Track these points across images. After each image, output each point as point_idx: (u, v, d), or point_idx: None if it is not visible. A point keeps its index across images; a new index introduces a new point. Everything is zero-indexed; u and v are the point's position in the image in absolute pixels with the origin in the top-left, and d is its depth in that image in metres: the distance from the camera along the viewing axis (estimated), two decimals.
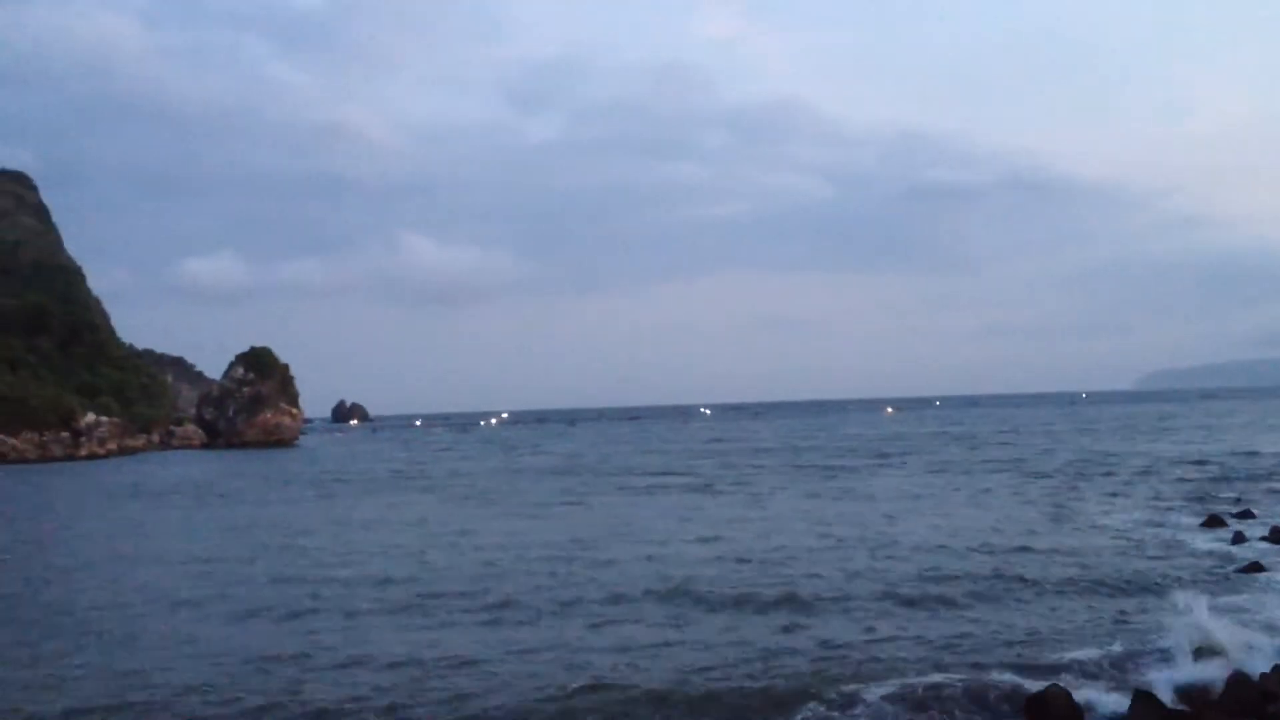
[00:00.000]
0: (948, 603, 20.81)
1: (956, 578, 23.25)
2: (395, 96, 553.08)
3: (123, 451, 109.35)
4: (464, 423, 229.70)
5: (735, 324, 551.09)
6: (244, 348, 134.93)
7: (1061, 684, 14.52)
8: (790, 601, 21.00)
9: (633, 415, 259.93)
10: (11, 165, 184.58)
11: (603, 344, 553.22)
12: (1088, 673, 15.69)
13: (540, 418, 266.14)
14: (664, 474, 59.30)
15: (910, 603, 20.83)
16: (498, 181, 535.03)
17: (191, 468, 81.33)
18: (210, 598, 23.43)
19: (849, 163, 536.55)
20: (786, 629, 18.92)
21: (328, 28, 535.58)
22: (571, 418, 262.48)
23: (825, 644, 17.67)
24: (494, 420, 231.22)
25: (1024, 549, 27.23)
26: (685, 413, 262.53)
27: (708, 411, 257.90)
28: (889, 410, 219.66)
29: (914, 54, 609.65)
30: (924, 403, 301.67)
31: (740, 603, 21.12)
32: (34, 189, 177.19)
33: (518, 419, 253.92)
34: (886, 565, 25.08)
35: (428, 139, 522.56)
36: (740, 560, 26.35)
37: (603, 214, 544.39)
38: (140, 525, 40.04)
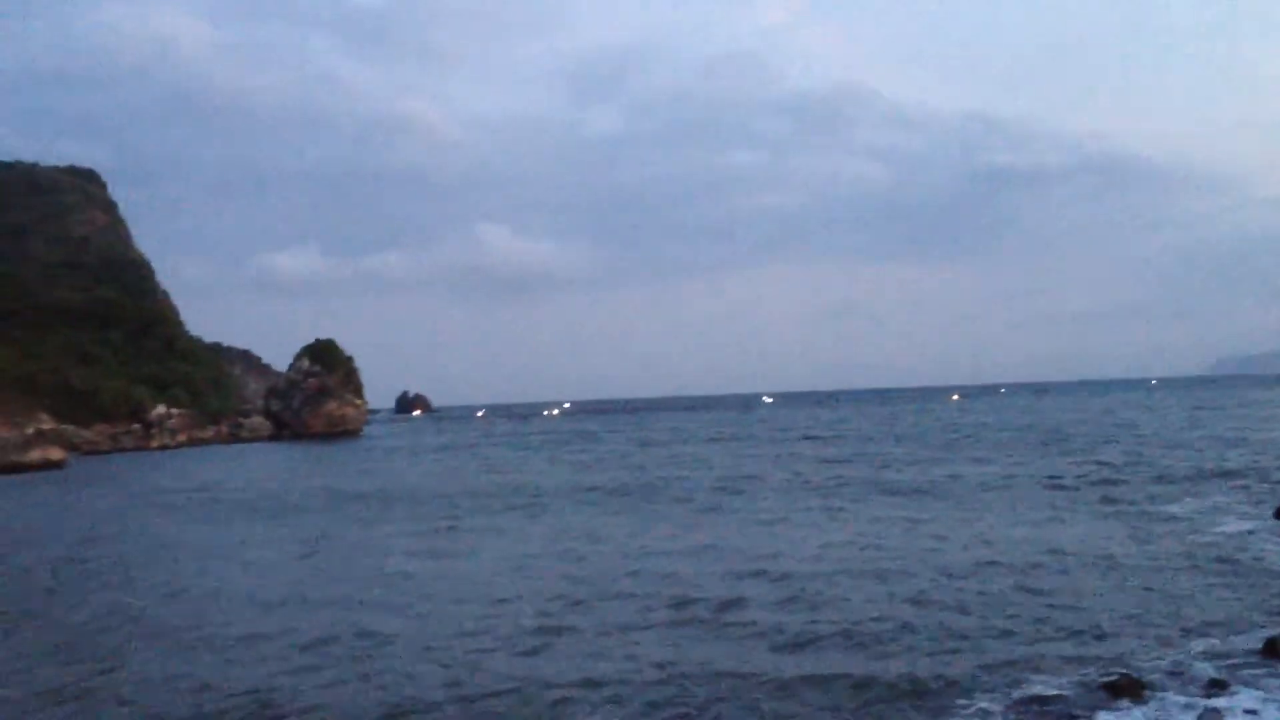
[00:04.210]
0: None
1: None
2: (459, 89, 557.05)
3: (192, 443, 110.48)
4: (525, 413, 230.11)
5: (796, 312, 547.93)
6: (309, 340, 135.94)
7: None
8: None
9: (691, 405, 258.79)
10: (82, 162, 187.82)
11: (663, 334, 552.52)
12: None
13: (600, 408, 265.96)
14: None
15: None
16: (558, 173, 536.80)
17: (261, 465, 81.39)
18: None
19: (911, 148, 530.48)
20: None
21: (390, 22, 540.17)
22: (631, 407, 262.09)
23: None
24: (555, 411, 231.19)
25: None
26: (747, 402, 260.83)
27: (770, 400, 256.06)
28: (954, 398, 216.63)
29: (976, 37, 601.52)
30: (988, 390, 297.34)
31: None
32: (103, 185, 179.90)
33: (579, 409, 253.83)
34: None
35: (490, 131, 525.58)
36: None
37: (663, 204, 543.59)
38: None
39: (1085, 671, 14.98)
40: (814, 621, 18.18)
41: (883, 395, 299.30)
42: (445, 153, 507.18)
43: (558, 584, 22.47)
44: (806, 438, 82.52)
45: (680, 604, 19.98)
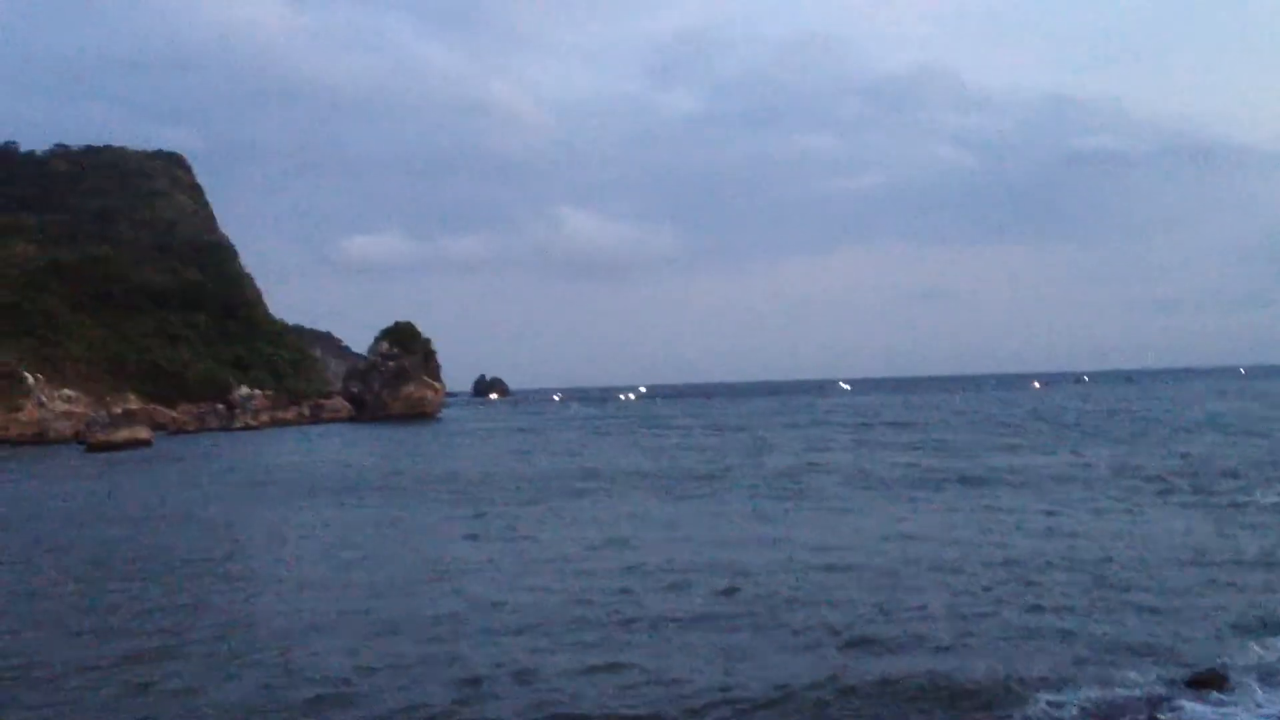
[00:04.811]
0: None
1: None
2: (540, 72, 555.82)
3: (274, 423, 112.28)
4: (601, 397, 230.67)
5: (874, 297, 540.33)
6: (389, 323, 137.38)
7: None
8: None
9: (767, 390, 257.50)
10: (169, 147, 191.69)
11: (739, 317, 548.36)
12: None
13: (677, 392, 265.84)
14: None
15: None
16: (637, 156, 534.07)
17: (343, 446, 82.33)
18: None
19: (992, 130, 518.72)
20: None
21: (473, 5, 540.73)
22: (707, 392, 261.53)
23: None
24: (631, 395, 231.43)
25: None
26: (823, 388, 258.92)
27: (847, 386, 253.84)
28: (1036, 385, 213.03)
29: (1060, 16, 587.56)
30: (1071, 377, 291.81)
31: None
32: (189, 169, 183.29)
33: (655, 393, 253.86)
34: None
35: (570, 114, 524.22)
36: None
37: (741, 188, 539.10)
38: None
39: (1169, 668, 14.57)
40: (884, 618, 17.82)
41: (962, 381, 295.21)
42: (526, 135, 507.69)
43: (620, 573, 22.28)
44: (884, 424, 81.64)
45: (746, 597, 19.67)
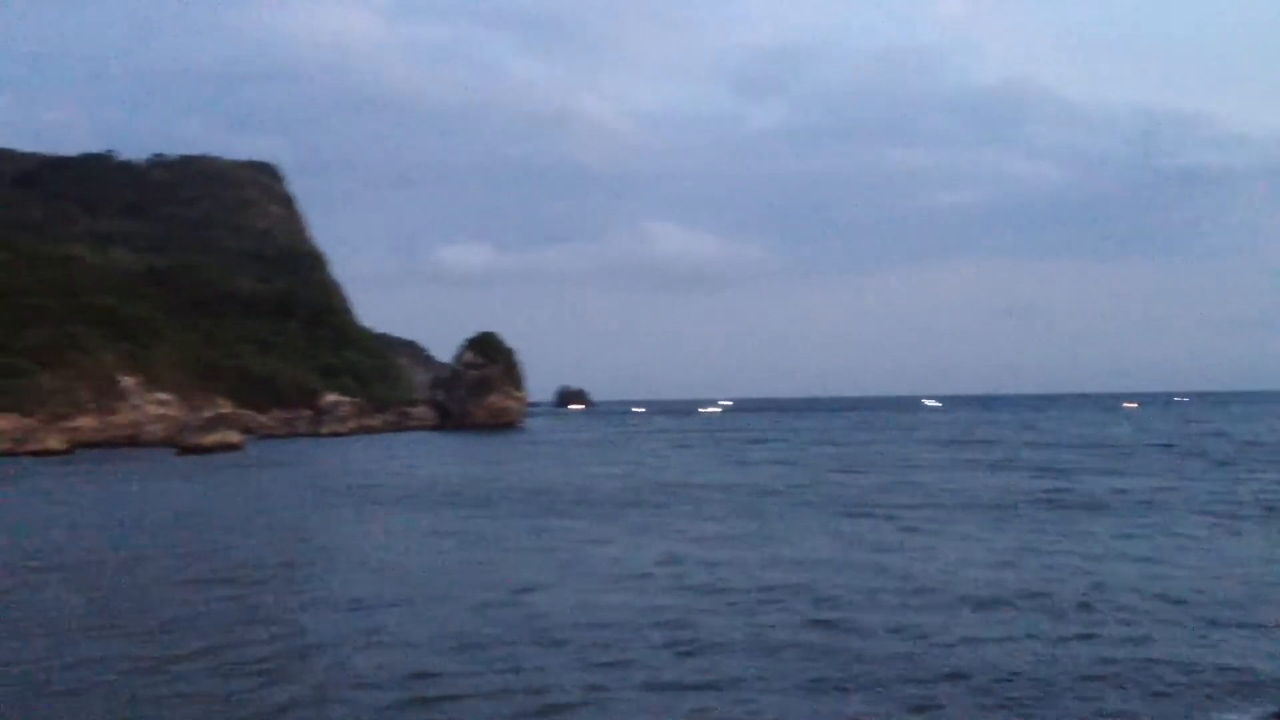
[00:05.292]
0: None
1: None
2: (626, 85, 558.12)
3: (360, 430, 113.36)
4: (683, 410, 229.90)
5: (961, 313, 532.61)
6: (473, 332, 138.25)
7: None
8: None
9: (850, 406, 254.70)
10: (261, 156, 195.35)
11: (823, 332, 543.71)
12: None
13: (760, 407, 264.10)
14: None
15: None
16: (723, 169, 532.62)
17: (433, 458, 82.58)
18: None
19: (1085, 146, 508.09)
20: None
21: (560, 19, 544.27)
22: (790, 407, 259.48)
23: None
24: (714, 409, 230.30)
25: None
26: (907, 404, 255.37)
27: (934, 404, 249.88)
28: (1128, 405, 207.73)
29: (1157, 31, 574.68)
30: (1164, 398, 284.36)
31: None
32: (281, 179, 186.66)
33: (738, 408, 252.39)
34: None
35: (657, 127, 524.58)
36: None
37: (827, 201, 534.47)
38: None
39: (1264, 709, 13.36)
40: (959, 652, 16.57)
41: (1050, 400, 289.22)
42: (613, 148, 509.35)
43: (697, 593, 21.32)
44: (975, 442, 79.77)
45: (825, 626, 18.37)
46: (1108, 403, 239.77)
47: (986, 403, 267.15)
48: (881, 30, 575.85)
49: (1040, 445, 74.58)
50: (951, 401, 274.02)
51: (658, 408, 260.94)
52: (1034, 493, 40.82)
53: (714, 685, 14.66)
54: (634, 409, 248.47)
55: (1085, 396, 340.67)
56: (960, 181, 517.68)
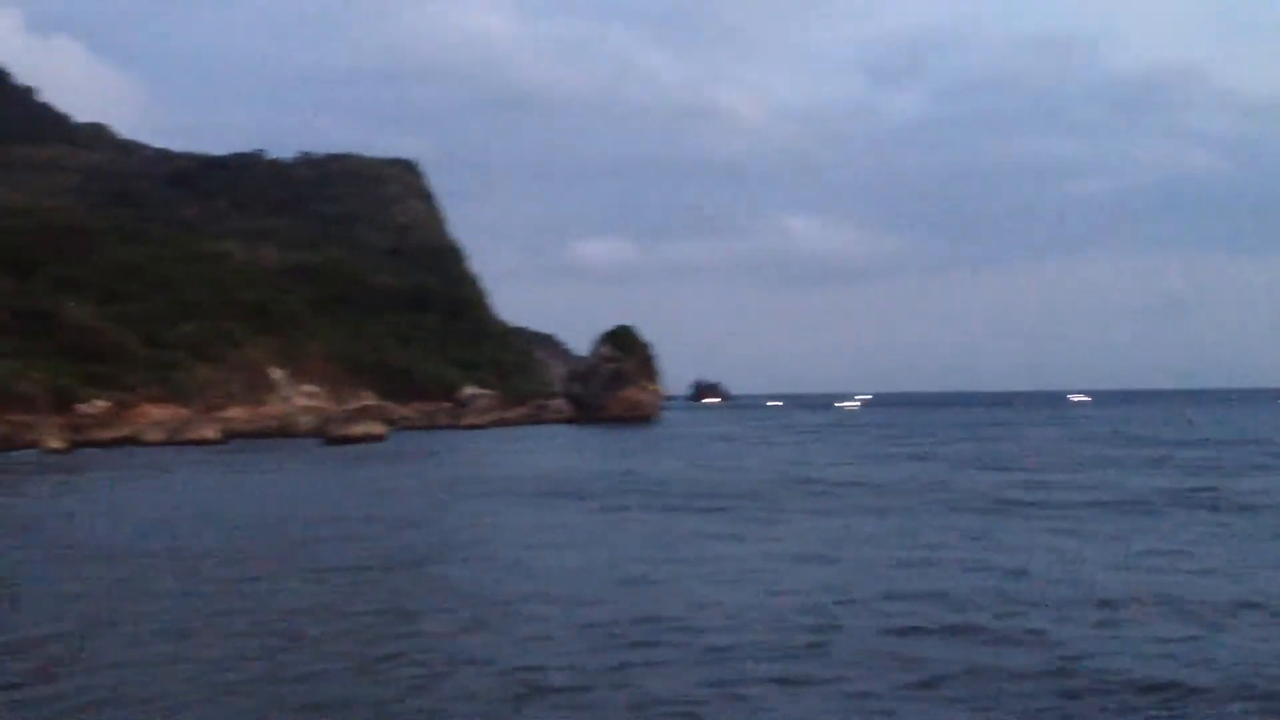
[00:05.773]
0: None
1: None
2: (762, 77, 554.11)
3: (498, 423, 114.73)
4: (821, 404, 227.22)
5: (1109, 306, 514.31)
6: (609, 326, 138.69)
7: None
8: None
9: (993, 401, 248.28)
10: (402, 154, 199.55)
11: (965, 325, 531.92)
12: None
13: (899, 401, 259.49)
14: None
15: None
16: (861, 160, 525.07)
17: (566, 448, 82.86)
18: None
19: (1241, 133, 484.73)
20: None
21: (695, 12, 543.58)
22: (931, 401, 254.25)
23: None
24: (852, 403, 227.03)
25: None
26: (1054, 399, 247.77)
27: (1081, 398, 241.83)
28: None
29: None
30: None
31: None
32: (421, 176, 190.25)
33: (877, 402, 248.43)
34: None
35: (793, 118, 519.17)
36: None
37: (968, 192, 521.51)
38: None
39: None
40: (1099, 661, 15.47)
41: (1203, 396, 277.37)
42: (749, 140, 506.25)
43: (825, 593, 20.34)
44: (1118, 438, 76.60)
45: (956, 631, 17.33)
46: (1263, 398, 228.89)
47: (1135, 398, 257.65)
48: (1022, 16, 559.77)
49: (1192, 442, 71.11)
50: (1099, 396, 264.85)
51: (794, 402, 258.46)
52: (1185, 492, 38.66)
53: (835, 692, 13.95)
54: (770, 403, 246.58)
55: (1239, 392, 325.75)
56: (1108, 170, 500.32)
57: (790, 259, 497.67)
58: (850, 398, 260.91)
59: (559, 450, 73.83)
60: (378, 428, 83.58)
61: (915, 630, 17.30)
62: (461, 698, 13.85)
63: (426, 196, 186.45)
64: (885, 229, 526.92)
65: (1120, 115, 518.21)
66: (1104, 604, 19.04)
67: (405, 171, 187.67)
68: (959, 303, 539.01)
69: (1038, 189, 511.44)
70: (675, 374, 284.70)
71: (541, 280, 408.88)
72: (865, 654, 15.79)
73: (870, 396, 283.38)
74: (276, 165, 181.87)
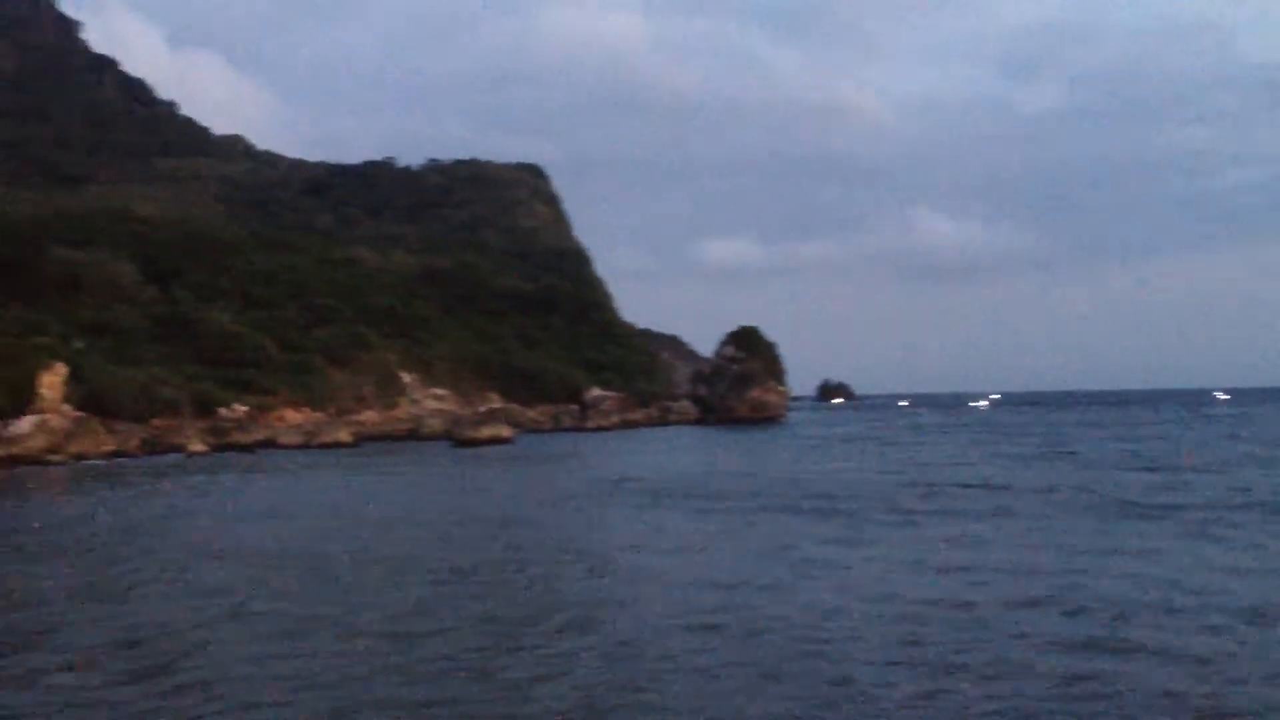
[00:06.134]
0: None
1: None
2: (887, 72, 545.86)
3: (624, 424, 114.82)
4: (950, 404, 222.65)
5: (1253, 300, 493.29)
6: (733, 326, 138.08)
7: None
8: None
9: (1129, 399, 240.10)
10: (528, 158, 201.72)
11: (1099, 321, 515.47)
12: None
13: (1031, 400, 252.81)
14: None
15: None
16: (990, 154, 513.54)
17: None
18: None
19: None
20: None
21: (818, 9, 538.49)
22: (1065, 400, 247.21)
23: None
24: (983, 402, 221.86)
25: None
26: (1194, 398, 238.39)
27: (1224, 396, 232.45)
28: None
29: None
30: None
31: None
32: (546, 179, 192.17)
33: (1008, 401, 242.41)
34: None
35: (920, 113, 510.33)
36: None
37: (1105, 185, 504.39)
38: None
39: None
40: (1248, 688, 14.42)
41: None
42: (875, 136, 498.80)
43: (956, 602, 19.49)
44: (1264, 439, 72.92)
45: (1085, 648, 16.35)
46: None
47: (1276, 396, 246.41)
48: (1157, 4, 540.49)
49: None
50: (1243, 395, 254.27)
51: (922, 401, 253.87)
52: None
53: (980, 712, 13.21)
54: (898, 403, 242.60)
55: None
56: (1251, 161, 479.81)
57: (919, 256, 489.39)
58: (980, 397, 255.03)
59: (685, 452, 73.43)
60: (505, 430, 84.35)
61: (1054, 645, 16.48)
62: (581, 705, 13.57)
63: (551, 200, 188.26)
64: (1015, 224, 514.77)
65: (1257, 104, 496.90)
66: (1258, 615, 17.95)
67: (531, 176, 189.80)
68: (1093, 298, 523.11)
69: (1174, 180, 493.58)
70: (801, 374, 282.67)
71: (666, 281, 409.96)
72: (1007, 668, 15.07)
73: (1000, 396, 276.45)
74: (406, 172, 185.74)
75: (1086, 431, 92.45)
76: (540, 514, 36.51)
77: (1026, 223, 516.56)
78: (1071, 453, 63.76)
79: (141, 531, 32.47)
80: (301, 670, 15.45)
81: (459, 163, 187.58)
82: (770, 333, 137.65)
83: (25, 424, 62.73)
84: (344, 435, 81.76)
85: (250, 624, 18.78)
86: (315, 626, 18.38)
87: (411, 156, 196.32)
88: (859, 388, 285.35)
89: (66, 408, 66.93)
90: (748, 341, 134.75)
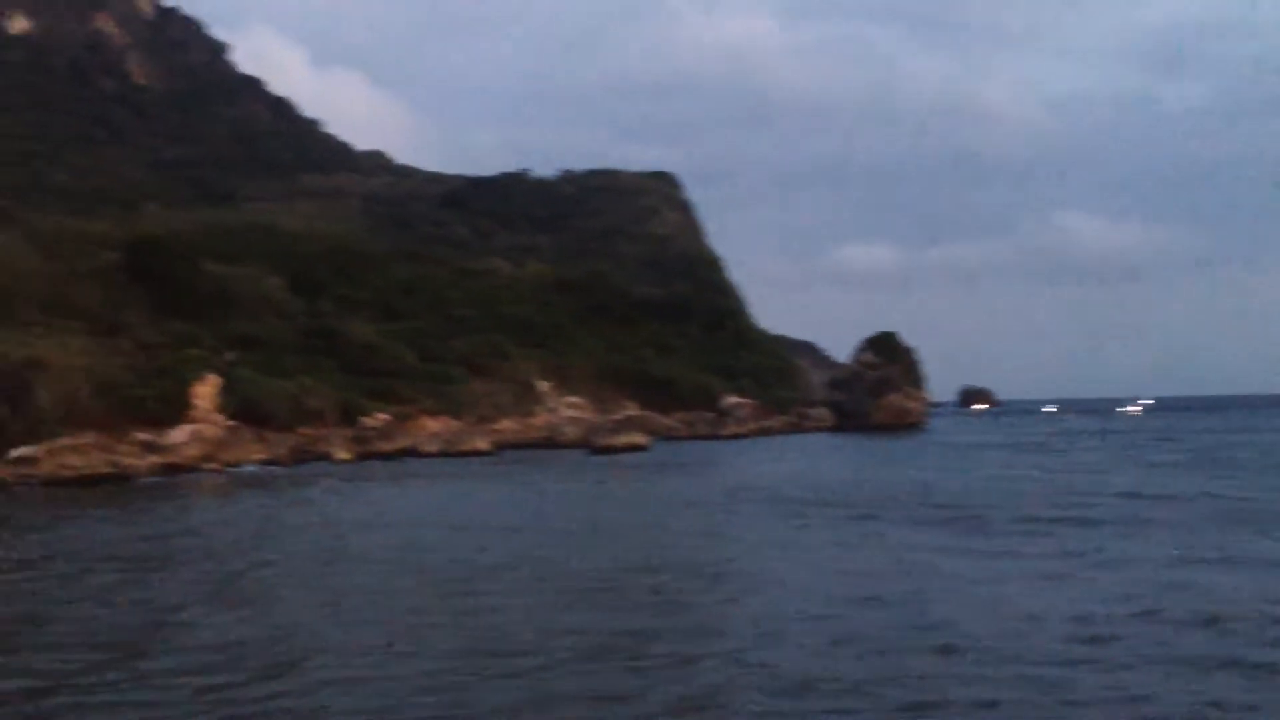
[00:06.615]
0: None
1: None
2: (1029, 71, 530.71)
3: (760, 431, 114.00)
4: (1100, 410, 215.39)
5: None
6: (869, 332, 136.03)
7: None
8: None
9: None
10: (660, 166, 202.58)
11: (1260, 323, 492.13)
12: None
13: (1185, 405, 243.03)
14: None
15: None
16: (1140, 152, 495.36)
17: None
18: None
19: None
20: None
21: (955, 8, 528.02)
22: (1223, 405, 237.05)
23: None
24: (1134, 408, 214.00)
25: None
26: None
27: None
28: None
29: None
30: None
31: None
32: (679, 187, 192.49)
33: (1162, 406, 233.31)
34: None
35: (1064, 112, 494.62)
36: None
37: (1262, 181, 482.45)
38: None
39: None
40: None
41: None
42: (1018, 136, 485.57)
43: (1089, 645, 18.21)
44: None
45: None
46: None
47: None
48: None
49: None
50: None
51: (1070, 407, 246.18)
52: None
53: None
54: (1044, 408, 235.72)
55: None
56: None
57: (1064, 257, 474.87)
58: (1132, 402, 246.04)
59: (821, 459, 72.47)
60: (640, 438, 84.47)
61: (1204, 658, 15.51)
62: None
63: (684, 207, 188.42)
64: (1168, 223, 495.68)
65: None
66: None
67: (664, 184, 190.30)
68: (1253, 298, 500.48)
69: None
70: (941, 380, 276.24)
71: (801, 287, 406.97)
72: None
73: (1153, 401, 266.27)
74: (540, 183, 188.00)
75: (1249, 437, 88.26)
76: (670, 520, 36.35)
77: (1179, 222, 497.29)
78: (1229, 460, 60.87)
79: (283, 536, 33.27)
80: (413, 672, 15.66)
81: (592, 172, 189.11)
82: (909, 338, 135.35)
83: (181, 433, 65.10)
84: (482, 443, 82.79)
85: (376, 629, 19.02)
86: (431, 632, 18.54)
87: (544, 167, 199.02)
88: (1002, 394, 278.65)
89: (220, 417, 69.29)
90: (885, 347, 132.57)
